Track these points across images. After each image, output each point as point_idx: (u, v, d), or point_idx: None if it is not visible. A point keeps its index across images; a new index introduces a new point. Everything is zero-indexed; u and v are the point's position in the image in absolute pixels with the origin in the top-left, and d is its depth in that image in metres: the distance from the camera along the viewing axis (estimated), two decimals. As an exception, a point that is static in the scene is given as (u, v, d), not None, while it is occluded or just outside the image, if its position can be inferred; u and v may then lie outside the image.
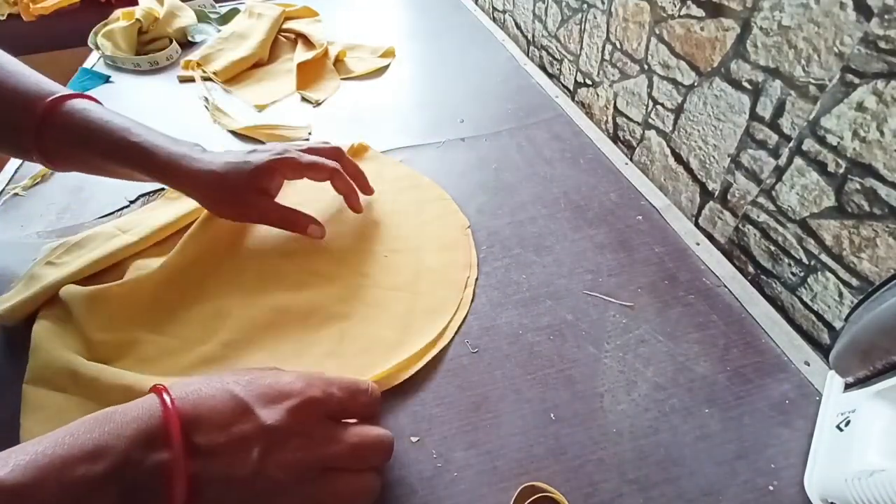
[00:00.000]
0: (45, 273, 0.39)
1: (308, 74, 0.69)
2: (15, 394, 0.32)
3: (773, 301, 0.42)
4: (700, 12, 0.43)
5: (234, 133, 0.59)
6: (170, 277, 0.40)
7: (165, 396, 0.23)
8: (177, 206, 0.46)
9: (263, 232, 0.44)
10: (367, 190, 0.46)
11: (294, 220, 0.41)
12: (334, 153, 0.43)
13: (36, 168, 0.54)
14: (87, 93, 0.40)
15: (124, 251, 0.42)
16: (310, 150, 0.42)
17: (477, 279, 0.41)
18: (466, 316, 0.38)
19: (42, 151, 0.38)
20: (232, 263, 0.42)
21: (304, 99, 0.66)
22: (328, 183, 0.43)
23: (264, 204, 0.40)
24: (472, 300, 0.39)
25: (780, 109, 0.37)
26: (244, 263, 0.42)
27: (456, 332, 0.37)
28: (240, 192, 0.38)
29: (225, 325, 0.37)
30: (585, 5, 0.60)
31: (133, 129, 0.38)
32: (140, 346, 0.36)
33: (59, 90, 0.38)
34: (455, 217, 0.47)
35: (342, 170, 0.42)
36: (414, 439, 0.31)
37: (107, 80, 0.72)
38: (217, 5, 0.91)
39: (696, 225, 0.49)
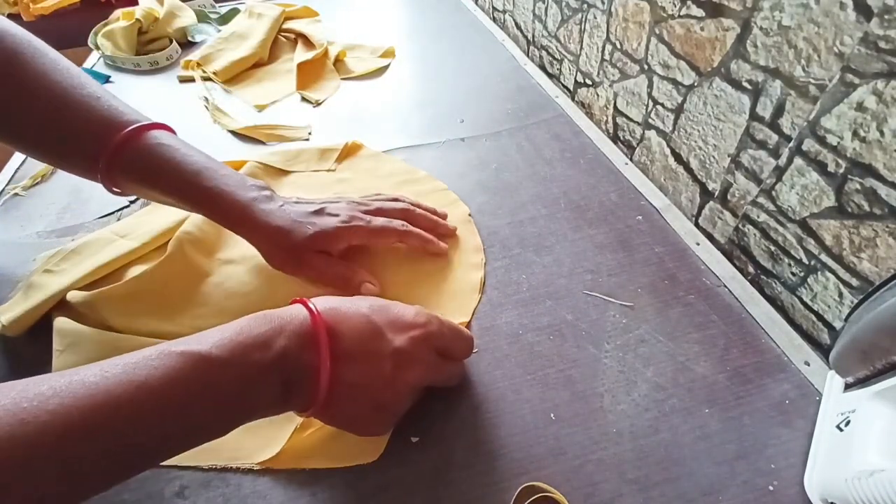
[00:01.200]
0: (45, 281, 0.39)
1: (308, 74, 0.69)
2: None
3: (773, 301, 0.42)
4: (700, 12, 0.43)
5: (234, 133, 0.59)
6: (179, 272, 0.40)
7: (313, 308, 0.27)
8: (175, 210, 0.45)
9: None
10: (448, 231, 0.44)
11: (348, 279, 0.39)
12: (403, 213, 0.42)
13: (36, 168, 0.54)
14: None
15: (126, 256, 0.41)
16: (378, 211, 0.41)
17: (486, 263, 0.42)
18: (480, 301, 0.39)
19: (110, 180, 0.38)
20: (240, 255, 0.42)
21: (304, 99, 0.66)
22: (326, 184, 0.43)
23: (321, 265, 0.39)
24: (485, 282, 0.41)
25: (780, 109, 0.37)
26: (251, 256, 0.42)
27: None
28: (300, 253, 0.38)
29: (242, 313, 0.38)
30: (585, 5, 0.60)
31: (203, 171, 0.38)
32: (163, 336, 0.36)
33: (138, 120, 0.38)
34: (456, 206, 0.48)
35: (412, 226, 0.41)
36: (414, 439, 0.31)
37: (107, 80, 0.72)
38: (217, 5, 0.91)
39: (696, 225, 0.49)
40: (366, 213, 0.41)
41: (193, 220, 0.43)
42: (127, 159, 0.37)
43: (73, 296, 0.37)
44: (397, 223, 0.41)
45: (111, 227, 0.45)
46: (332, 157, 0.54)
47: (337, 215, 0.40)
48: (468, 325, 0.38)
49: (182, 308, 0.39)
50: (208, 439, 0.24)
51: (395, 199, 0.44)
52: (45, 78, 0.36)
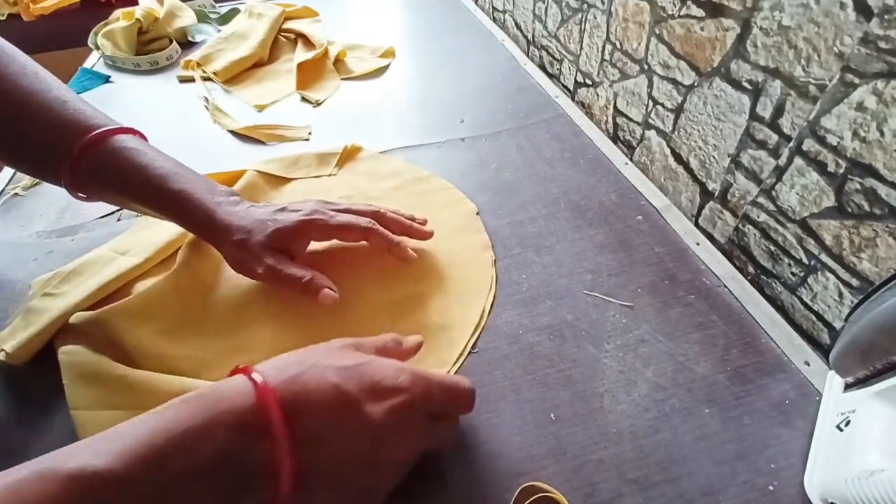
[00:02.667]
0: (46, 305, 0.37)
1: (308, 74, 0.69)
2: (22, 429, 0.32)
3: (773, 301, 0.42)
4: (700, 12, 0.43)
5: (234, 133, 0.59)
6: (186, 289, 0.39)
7: (258, 379, 0.22)
8: (173, 223, 0.44)
9: None
10: (423, 234, 0.42)
11: (306, 283, 0.37)
12: (372, 214, 0.41)
13: (36, 168, 0.54)
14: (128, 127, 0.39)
15: (129, 273, 0.40)
16: (346, 210, 0.40)
17: (496, 260, 0.42)
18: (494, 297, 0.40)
19: (74, 184, 0.37)
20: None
21: (304, 99, 0.66)
22: (328, 188, 0.42)
23: (276, 263, 0.37)
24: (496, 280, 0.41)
25: (780, 109, 0.37)
26: None
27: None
28: (258, 251, 0.37)
29: (256, 333, 0.37)
30: (585, 5, 0.60)
31: (170, 176, 0.37)
32: (173, 361, 0.35)
33: (105, 124, 0.37)
34: (462, 204, 0.48)
35: (379, 227, 0.40)
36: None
37: (107, 80, 0.72)
38: (217, 5, 0.91)
39: (696, 225, 0.49)
40: (332, 210, 0.40)
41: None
42: (92, 164, 0.36)
43: (79, 317, 0.36)
44: (364, 220, 0.39)
45: (109, 244, 0.43)
46: (332, 162, 0.54)
47: (299, 211, 0.39)
48: (482, 325, 0.37)
49: (191, 323, 0.38)
50: None
51: (369, 204, 0.42)
52: (9, 81, 0.35)
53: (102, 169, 0.36)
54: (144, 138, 0.39)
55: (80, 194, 0.37)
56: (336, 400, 0.23)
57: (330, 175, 0.53)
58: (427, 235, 0.43)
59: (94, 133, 0.36)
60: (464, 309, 0.38)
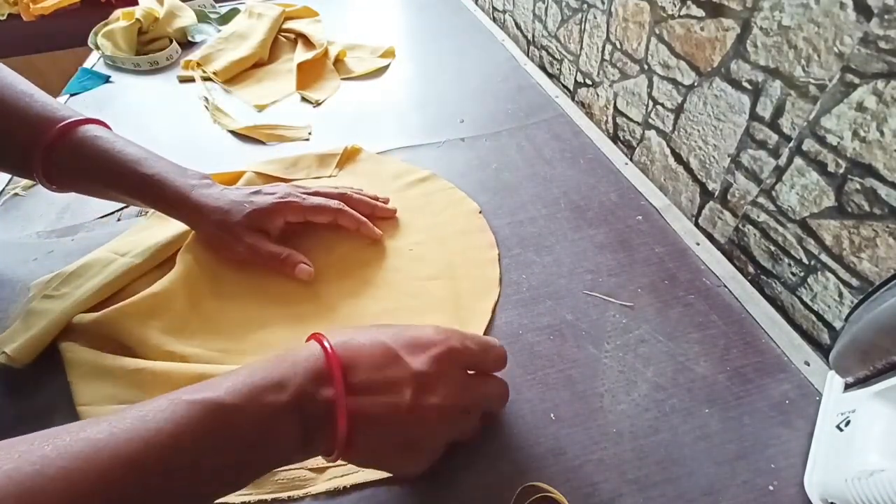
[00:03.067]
0: (46, 307, 0.37)
1: (308, 74, 0.69)
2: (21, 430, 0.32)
3: (773, 301, 0.42)
4: (700, 12, 0.43)
5: (234, 133, 0.59)
6: (191, 287, 0.39)
7: (326, 343, 0.26)
8: (173, 224, 0.43)
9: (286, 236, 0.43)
10: (388, 213, 0.46)
11: (282, 259, 0.40)
12: (340, 196, 0.44)
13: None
14: (95, 117, 0.40)
15: (128, 274, 0.40)
16: (315, 193, 0.43)
17: (501, 257, 0.43)
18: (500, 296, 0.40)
19: (46, 175, 0.38)
20: (249, 270, 0.42)
21: (304, 99, 0.66)
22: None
23: (255, 242, 0.39)
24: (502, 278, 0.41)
25: (780, 109, 0.37)
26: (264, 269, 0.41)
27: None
28: (235, 231, 0.39)
29: (263, 331, 0.37)
30: (585, 5, 0.60)
31: (143, 160, 0.38)
32: (180, 359, 0.34)
33: (71, 115, 0.38)
34: (464, 203, 0.48)
35: (347, 208, 0.42)
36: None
37: (107, 80, 0.72)
38: (217, 5, 0.91)
39: (696, 225, 0.49)
40: (304, 193, 0.42)
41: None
42: (63, 154, 0.37)
43: (81, 318, 0.36)
44: (333, 202, 0.42)
45: (108, 246, 0.43)
46: (332, 163, 0.54)
47: (273, 193, 0.41)
48: (490, 323, 0.38)
49: (196, 321, 0.38)
50: (231, 491, 0.23)
51: (336, 187, 0.46)
52: None
53: (74, 158, 0.37)
54: (109, 128, 0.41)
55: (52, 185, 0.39)
56: (382, 355, 0.26)
57: (330, 176, 0.53)
58: (391, 213, 0.46)
59: (62, 124, 0.37)
60: (473, 307, 0.38)
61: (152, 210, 0.47)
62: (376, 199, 0.46)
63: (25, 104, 0.37)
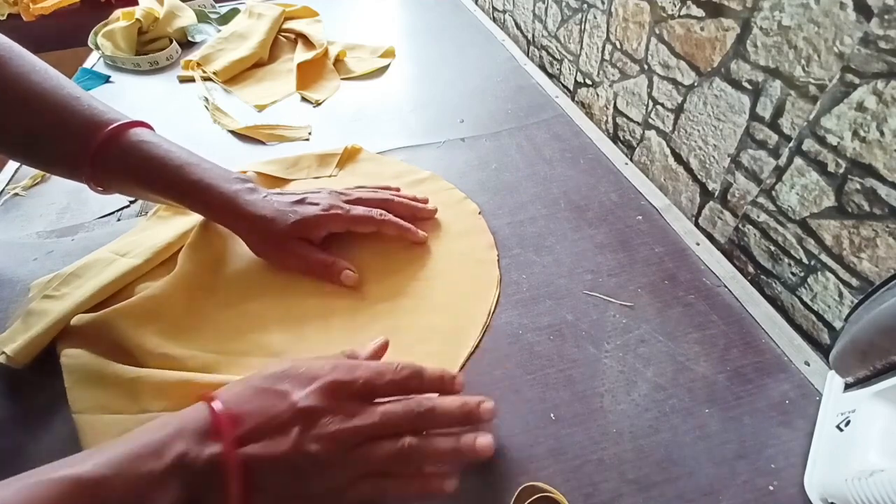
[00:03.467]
0: (45, 308, 0.36)
1: (308, 74, 0.69)
2: (21, 431, 0.32)
3: (773, 301, 0.42)
4: (700, 12, 0.43)
5: (234, 133, 0.59)
6: (189, 289, 0.39)
7: (214, 404, 0.25)
8: (173, 225, 0.44)
9: None
10: (429, 213, 0.46)
11: (329, 266, 0.40)
12: (382, 203, 0.43)
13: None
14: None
15: (129, 275, 0.39)
16: (358, 201, 0.43)
17: (500, 258, 0.42)
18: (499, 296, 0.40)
19: (94, 178, 0.38)
20: (251, 270, 0.42)
21: (304, 99, 0.66)
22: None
23: (303, 251, 0.40)
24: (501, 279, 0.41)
25: (780, 109, 0.37)
26: (264, 270, 0.42)
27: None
28: (283, 240, 0.39)
29: (261, 333, 0.37)
30: (585, 5, 0.60)
31: (187, 165, 0.39)
32: (178, 362, 0.34)
33: (118, 118, 0.38)
34: (464, 204, 0.48)
35: (391, 215, 0.43)
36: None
37: (107, 80, 0.72)
38: (217, 5, 0.91)
39: (696, 225, 0.49)
40: (346, 202, 0.42)
41: (197, 236, 0.42)
42: (111, 157, 0.37)
43: (80, 319, 0.35)
44: (375, 212, 0.42)
45: (109, 246, 0.43)
46: (333, 163, 0.54)
47: (318, 204, 0.41)
48: (489, 323, 0.38)
49: (194, 324, 0.38)
50: None
51: (377, 189, 0.46)
52: (23, 79, 0.36)
53: (122, 162, 0.38)
54: (153, 130, 0.41)
55: (99, 188, 0.39)
56: (270, 396, 0.26)
57: (330, 176, 0.53)
58: (431, 214, 0.46)
59: (111, 127, 0.37)
60: (471, 308, 0.38)
61: (153, 210, 0.48)
62: (416, 199, 0.46)
63: (72, 108, 0.37)
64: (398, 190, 0.48)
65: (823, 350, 0.38)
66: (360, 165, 0.54)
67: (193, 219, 0.44)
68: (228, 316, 0.39)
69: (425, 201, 0.47)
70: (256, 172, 0.51)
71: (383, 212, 0.42)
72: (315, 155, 0.54)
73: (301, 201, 0.41)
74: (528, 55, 0.78)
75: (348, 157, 0.55)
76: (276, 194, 0.41)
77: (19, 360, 0.34)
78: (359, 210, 0.42)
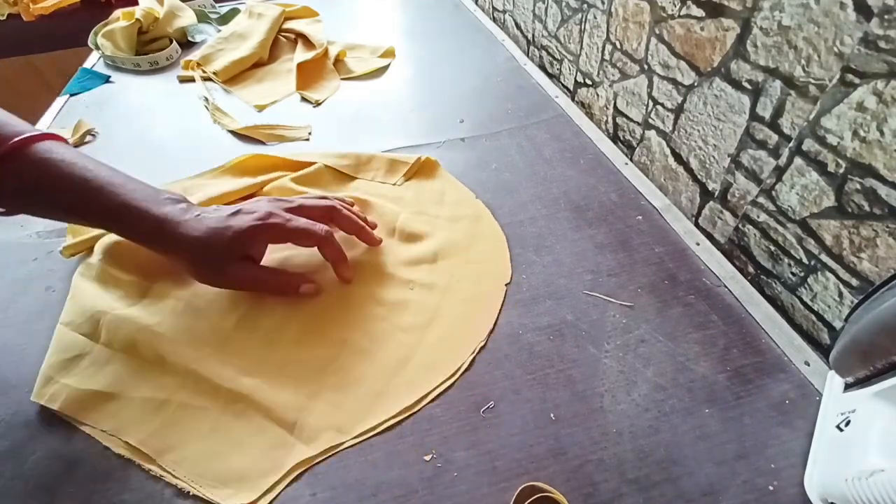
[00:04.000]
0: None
1: (308, 74, 0.69)
2: (21, 431, 0.32)
3: (773, 301, 0.42)
4: (700, 12, 0.43)
5: (234, 133, 0.59)
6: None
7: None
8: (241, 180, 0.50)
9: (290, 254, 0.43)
10: (372, 241, 0.42)
11: (282, 283, 0.38)
12: (327, 212, 0.40)
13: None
14: (52, 135, 0.36)
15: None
16: (301, 208, 0.39)
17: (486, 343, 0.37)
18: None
19: None
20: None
21: (304, 99, 0.66)
22: (382, 197, 0.45)
23: (244, 271, 0.37)
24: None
25: (780, 109, 0.37)
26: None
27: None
28: (220, 260, 0.36)
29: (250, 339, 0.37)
30: (585, 5, 0.60)
31: (108, 185, 0.35)
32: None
33: (26, 132, 0.34)
34: (501, 266, 0.42)
35: (333, 233, 0.39)
36: (413, 439, 0.31)
37: (107, 80, 0.72)
38: (217, 5, 0.91)
39: (696, 225, 0.49)
40: (287, 210, 0.39)
41: None
42: (12, 174, 0.33)
43: (100, 245, 0.41)
44: (319, 227, 0.38)
45: (181, 184, 0.50)
46: (401, 172, 0.51)
47: (253, 212, 0.37)
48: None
49: (192, 283, 0.40)
50: None
51: (323, 197, 0.42)
52: None
53: (26, 179, 0.33)
54: (68, 143, 0.37)
55: (0, 209, 0.35)
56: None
57: (394, 184, 0.51)
58: (375, 243, 0.42)
59: (13, 141, 0.33)
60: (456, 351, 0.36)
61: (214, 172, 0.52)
62: (365, 220, 0.43)
63: None
64: (351, 204, 0.44)
65: (823, 350, 0.38)
66: (428, 183, 0.51)
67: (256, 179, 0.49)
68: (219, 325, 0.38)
69: (374, 226, 0.44)
70: (325, 165, 0.51)
71: (326, 228, 0.39)
72: (387, 158, 0.53)
73: (236, 213, 0.37)
74: (528, 55, 0.78)
75: (420, 169, 0.52)
76: (213, 210, 0.38)
77: (66, 254, 0.42)
78: (299, 222, 0.38)
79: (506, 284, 0.40)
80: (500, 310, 0.38)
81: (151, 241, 0.36)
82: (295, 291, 0.38)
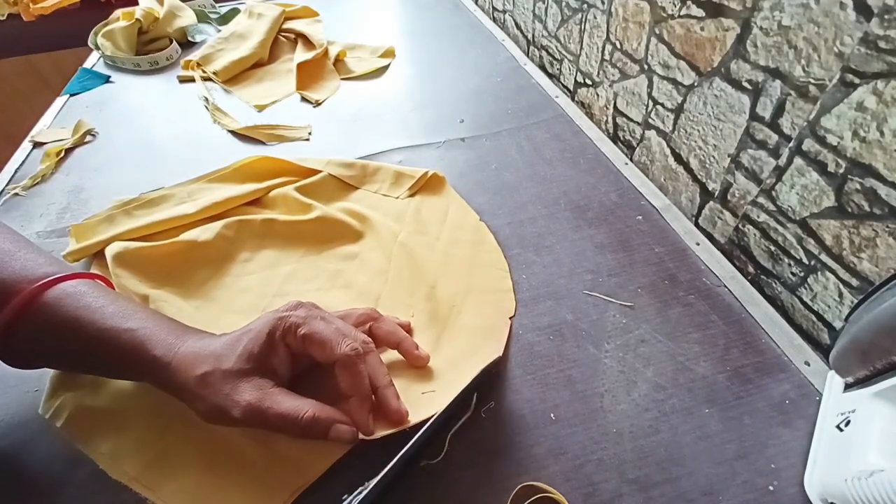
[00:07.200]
0: (120, 221, 0.45)
1: (308, 74, 0.69)
2: (21, 431, 0.33)
3: (773, 301, 0.42)
4: (700, 12, 0.43)
5: (234, 133, 0.59)
6: (206, 255, 0.42)
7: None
8: (244, 187, 0.49)
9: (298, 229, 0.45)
10: (416, 360, 0.33)
11: (306, 427, 0.27)
12: (366, 317, 0.33)
13: (36, 168, 0.54)
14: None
15: (181, 219, 0.44)
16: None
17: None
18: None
19: (8, 355, 0.30)
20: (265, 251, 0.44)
21: (304, 99, 0.66)
22: (384, 211, 0.47)
23: (262, 398, 0.28)
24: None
25: (780, 109, 0.37)
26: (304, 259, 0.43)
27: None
28: (230, 383, 0.28)
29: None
30: (585, 5, 0.60)
31: (121, 322, 0.29)
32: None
33: (51, 273, 0.30)
34: (504, 300, 0.39)
35: (369, 359, 0.30)
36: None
37: (107, 80, 0.72)
38: (217, 5, 0.91)
39: (696, 225, 0.49)
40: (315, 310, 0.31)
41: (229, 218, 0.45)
42: (27, 322, 0.29)
43: (110, 249, 0.41)
44: (355, 338, 0.30)
45: (188, 188, 0.49)
46: (406, 186, 0.50)
47: (276, 309, 0.30)
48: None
49: (197, 292, 0.41)
50: None
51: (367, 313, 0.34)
52: None
53: (36, 327, 0.29)
54: (101, 280, 0.33)
55: (18, 364, 0.31)
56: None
57: (397, 198, 0.49)
58: (422, 363, 0.33)
59: (36, 285, 0.29)
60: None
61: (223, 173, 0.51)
62: (409, 331, 0.36)
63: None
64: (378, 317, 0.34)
65: (823, 350, 0.38)
66: (432, 201, 0.49)
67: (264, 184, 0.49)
68: (228, 287, 0.41)
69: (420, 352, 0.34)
70: (330, 175, 0.50)
71: (368, 341, 0.31)
72: (394, 171, 0.51)
73: (255, 322, 0.30)
74: (528, 55, 0.78)
75: (427, 184, 0.50)
76: (229, 334, 0.30)
77: (69, 259, 0.42)
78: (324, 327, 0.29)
79: (509, 318, 0.38)
80: (507, 343, 0.36)
81: (158, 383, 0.30)
82: (324, 435, 0.28)
